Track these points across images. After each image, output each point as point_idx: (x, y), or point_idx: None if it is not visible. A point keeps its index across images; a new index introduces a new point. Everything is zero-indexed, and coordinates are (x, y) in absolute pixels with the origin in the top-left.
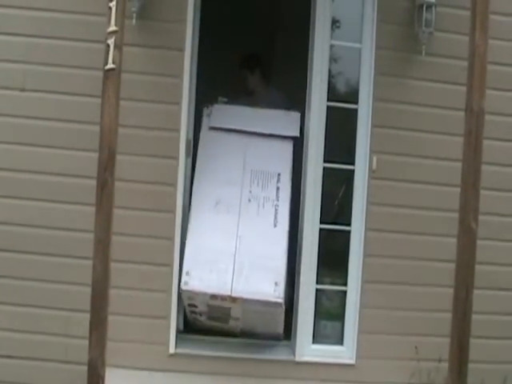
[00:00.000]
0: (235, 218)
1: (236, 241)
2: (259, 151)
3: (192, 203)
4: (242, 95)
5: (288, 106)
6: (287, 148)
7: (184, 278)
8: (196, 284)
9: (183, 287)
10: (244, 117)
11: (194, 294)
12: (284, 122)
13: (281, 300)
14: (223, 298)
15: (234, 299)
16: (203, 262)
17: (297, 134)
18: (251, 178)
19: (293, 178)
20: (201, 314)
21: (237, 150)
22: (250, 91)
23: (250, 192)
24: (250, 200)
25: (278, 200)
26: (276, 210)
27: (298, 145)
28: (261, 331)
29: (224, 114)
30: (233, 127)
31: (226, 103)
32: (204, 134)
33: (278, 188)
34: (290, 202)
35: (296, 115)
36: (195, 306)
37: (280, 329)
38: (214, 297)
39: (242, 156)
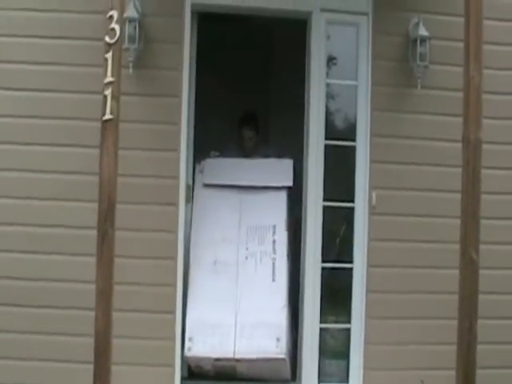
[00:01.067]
0: (233, 277)
1: (236, 301)
2: (254, 205)
3: (190, 264)
4: (236, 149)
5: (280, 154)
6: (281, 197)
7: (187, 344)
8: (200, 349)
9: (187, 353)
10: (236, 170)
11: (198, 359)
12: (277, 171)
13: (283, 355)
14: (227, 359)
15: (237, 360)
16: (205, 327)
17: (290, 183)
18: (247, 233)
19: (288, 226)
20: (207, 372)
21: (231, 205)
22: (248, 151)
23: (247, 249)
24: (247, 258)
25: (275, 253)
26: (273, 263)
27: (294, 189)
28: (268, 378)
29: (216, 168)
30: (226, 183)
31: (218, 156)
32: (198, 191)
33: (274, 241)
34: (287, 253)
35: (288, 162)
36: (201, 367)
37: (287, 376)
38: (217, 360)
39: (237, 211)
